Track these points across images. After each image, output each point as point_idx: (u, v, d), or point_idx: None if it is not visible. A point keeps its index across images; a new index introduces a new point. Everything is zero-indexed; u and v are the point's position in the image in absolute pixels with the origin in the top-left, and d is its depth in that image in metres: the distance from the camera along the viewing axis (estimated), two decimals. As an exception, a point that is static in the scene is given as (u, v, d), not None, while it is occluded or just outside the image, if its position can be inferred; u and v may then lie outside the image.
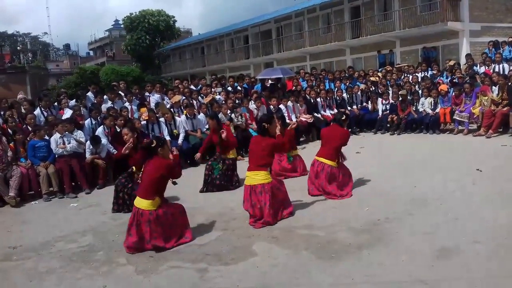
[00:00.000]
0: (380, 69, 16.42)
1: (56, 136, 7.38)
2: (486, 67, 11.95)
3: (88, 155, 7.52)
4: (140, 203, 4.46)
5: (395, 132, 10.96)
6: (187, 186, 6.67)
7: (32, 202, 6.94)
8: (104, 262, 4.27)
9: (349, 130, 11.35)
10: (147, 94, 10.64)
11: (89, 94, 10.13)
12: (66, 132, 7.46)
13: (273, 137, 5.22)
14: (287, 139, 6.13)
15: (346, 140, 6.02)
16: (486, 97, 9.60)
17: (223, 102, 10.16)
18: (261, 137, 5.20)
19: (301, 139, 10.87)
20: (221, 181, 6.70)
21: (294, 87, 12.58)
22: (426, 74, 12.80)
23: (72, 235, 5.14)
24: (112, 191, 6.16)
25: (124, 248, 4.48)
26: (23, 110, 8.73)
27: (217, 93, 11.25)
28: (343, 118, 6.15)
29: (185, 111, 9.41)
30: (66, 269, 4.17)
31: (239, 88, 12.12)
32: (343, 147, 6.08)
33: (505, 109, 9.28)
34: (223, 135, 6.67)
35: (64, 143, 7.33)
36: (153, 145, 4.63)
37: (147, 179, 4.54)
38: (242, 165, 7.23)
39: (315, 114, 11.17)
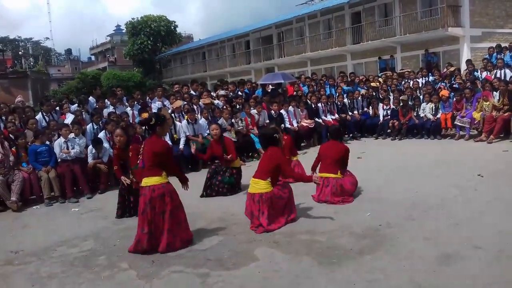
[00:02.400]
0: (381, 74, 16.48)
1: (60, 140, 7.41)
2: (488, 73, 11.97)
3: (90, 160, 7.54)
4: (149, 181, 4.47)
5: (396, 138, 10.97)
6: (188, 191, 6.67)
7: (34, 207, 6.95)
8: (106, 267, 4.27)
9: (350, 135, 11.54)
10: (148, 100, 10.66)
11: (91, 98, 10.17)
12: (71, 137, 7.49)
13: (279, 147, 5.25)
14: (287, 147, 6.11)
15: (343, 154, 6.02)
16: (488, 103, 9.62)
17: (224, 107, 10.18)
18: (271, 148, 5.20)
19: (302, 144, 10.88)
20: (222, 188, 6.69)
21: (295, 92, 12.61)
22: (427, 80, 12.84)
23: (74, 240, 5.14)
24: (114, 196, 6.18)
25: (128, 253, 4.49)
26: (24, 115, 8.75)
27: (216, 98, 11.26)
28: (339, 134, 6.25)
29: (186, 116, 9.44)
30: (68, 274, 4.17)
31: (240, 93, 12.16)
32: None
33: (506, 114, 9.30)
34: (228, 157, 6.73)
35: (68, 148, 7.37)
36: (151, 123, 4.54)
37: (148, 159, 4.49)
38: (245, 171, 7.25)
39: (316, 119, 11.19)
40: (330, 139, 6.41)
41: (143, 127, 4.61)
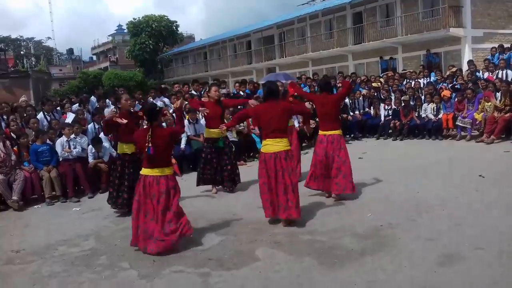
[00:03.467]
0: (382, 74, 16.46)
1: (63, 139, 7.44)
2: (490, 73, 11.95)
3: (90, 160, 7.55)
4: (155, 171, 4.50)
5: (398, 138, 10.96)
6: (189, 191, 6.69)
7: (35, 206, 6.97)
8: (107, 266, 4.28)
9: (352, 135, 11.52)
10: (150, 99, 10.66)
11: (92, 98, 10.18)
12: (73, 136, 7.51)
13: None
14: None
15: (340, 102, 6.21)
16: (489, 103, 9.61)
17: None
18: (272, 103, 5.09)
19: (304, 144, 10.86)
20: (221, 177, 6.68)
21: (296, 93, 12.57)
22: (429, 80, 12.83)
23: (75, 239, 5.15)
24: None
25: (129, 252, 4.49)
26: (25, 114, 8.76)
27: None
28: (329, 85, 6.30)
29: (187, 116, 9.43)
30: (69, 273, 4.18)
31: (241, 93, 12.14)
32: None
33: (507, 115, 9.28)
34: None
35: (69, 147, 7.39)
36: (157, 109, 4.73)
37: (160, 150, 4.51)
38: (245, 171, 7.25)
39: (317, 120, 11.16)
40: (322, 92, 6.22)
41: (147, 116, 4.74)
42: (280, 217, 4.99)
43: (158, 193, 4.47)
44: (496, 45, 14.10)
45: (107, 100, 9.98)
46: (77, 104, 9.87)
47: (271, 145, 4.98)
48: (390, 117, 11.35)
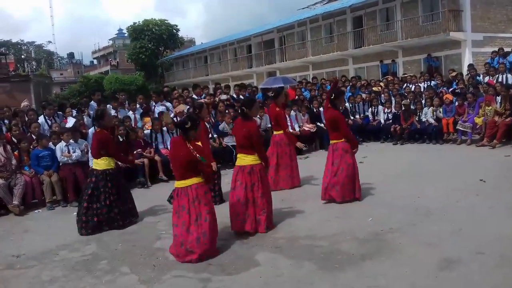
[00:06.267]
0: (382, 78, 16.49)
1: (62, 144, 7.44)
2: (490, 77, 11.96)
3: (91, 164, 7.53)
4: (186, 182, 4.39)
5: (398, 142, 10.96)
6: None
7: (36, 211, 6.97)
8: (107, 271, 4.27)
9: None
10: (152, 103, 10.65)
11: (92, 103, 10.18)
12: (72, 141, 7.51)
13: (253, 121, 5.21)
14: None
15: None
16: (490, 107, 9.61)
17: (227, 111, 10.18)
18: (242, 121, 5.15)
19: (304, 148, 10.85)
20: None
21: (297, 97, 12.61)
22: (429, 84, 12.85)
23: (75, 244, 5.15)
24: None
25: (129, 257, 4.48)
26: (26, 119, 8.77)
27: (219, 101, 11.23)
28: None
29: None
30: (69, 278, 4.18)
31: (241, 97, 12.15)
32: None
33: (508, 119, 9.28)
34: None
35: (69, 152, 7.39)
36: (186, 126, 4.29)
37: (179, 164, 4.39)
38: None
39: (318, 124, 11.19)
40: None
41: (178, 129, 4.44)
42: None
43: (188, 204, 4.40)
44: (497, 49, 14.11)
45: (108, 105, 9.97)
46: (76, 110, 9.86)
47: (239, 158, 5.13)
48: (391, 121, 11.34)
